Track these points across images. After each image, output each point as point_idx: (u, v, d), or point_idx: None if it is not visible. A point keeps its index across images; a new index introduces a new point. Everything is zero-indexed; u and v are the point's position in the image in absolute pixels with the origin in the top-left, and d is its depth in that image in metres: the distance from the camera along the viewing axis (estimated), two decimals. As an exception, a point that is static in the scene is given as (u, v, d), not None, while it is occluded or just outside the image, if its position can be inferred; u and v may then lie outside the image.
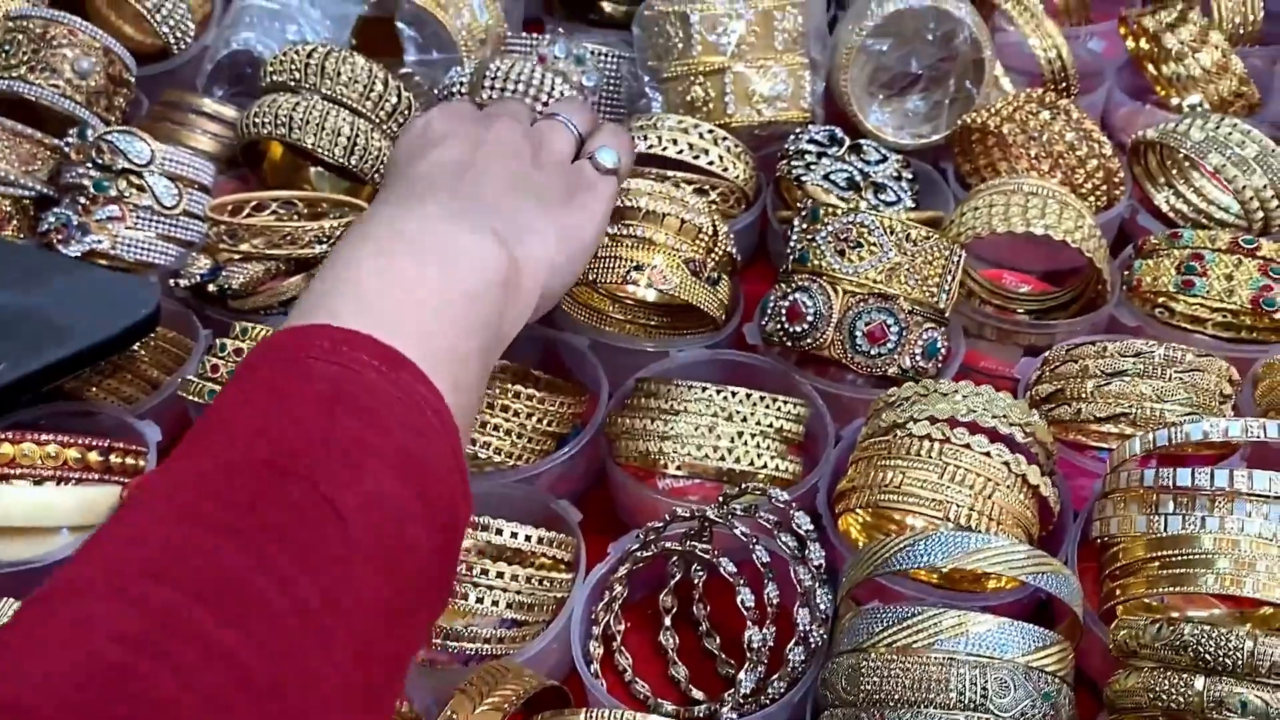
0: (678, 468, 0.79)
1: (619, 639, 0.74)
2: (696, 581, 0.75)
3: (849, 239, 0.79)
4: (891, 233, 0.79)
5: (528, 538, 0.72)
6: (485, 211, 0.63)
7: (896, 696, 0.59)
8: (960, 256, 0.82)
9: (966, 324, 0.92)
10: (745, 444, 0.75)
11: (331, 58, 1.00)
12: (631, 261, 0.82)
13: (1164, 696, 0.59)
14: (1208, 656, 0.57)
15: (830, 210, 0.81)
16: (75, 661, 0.37)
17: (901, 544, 0.63)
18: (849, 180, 0.95)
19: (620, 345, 0.88)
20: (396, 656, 0.48)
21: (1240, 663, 0.57)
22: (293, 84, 1.00)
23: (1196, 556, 0.65)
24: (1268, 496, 0.65)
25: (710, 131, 0.97)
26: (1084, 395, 0.78)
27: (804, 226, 0.82)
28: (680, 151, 0.95)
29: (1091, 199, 0.98)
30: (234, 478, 0.45)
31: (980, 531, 0.67)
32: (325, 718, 0.42)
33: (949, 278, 0.81)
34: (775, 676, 0.67)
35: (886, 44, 1.04)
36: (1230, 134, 0.95)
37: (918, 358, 0.81)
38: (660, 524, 0.73)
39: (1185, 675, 0.59)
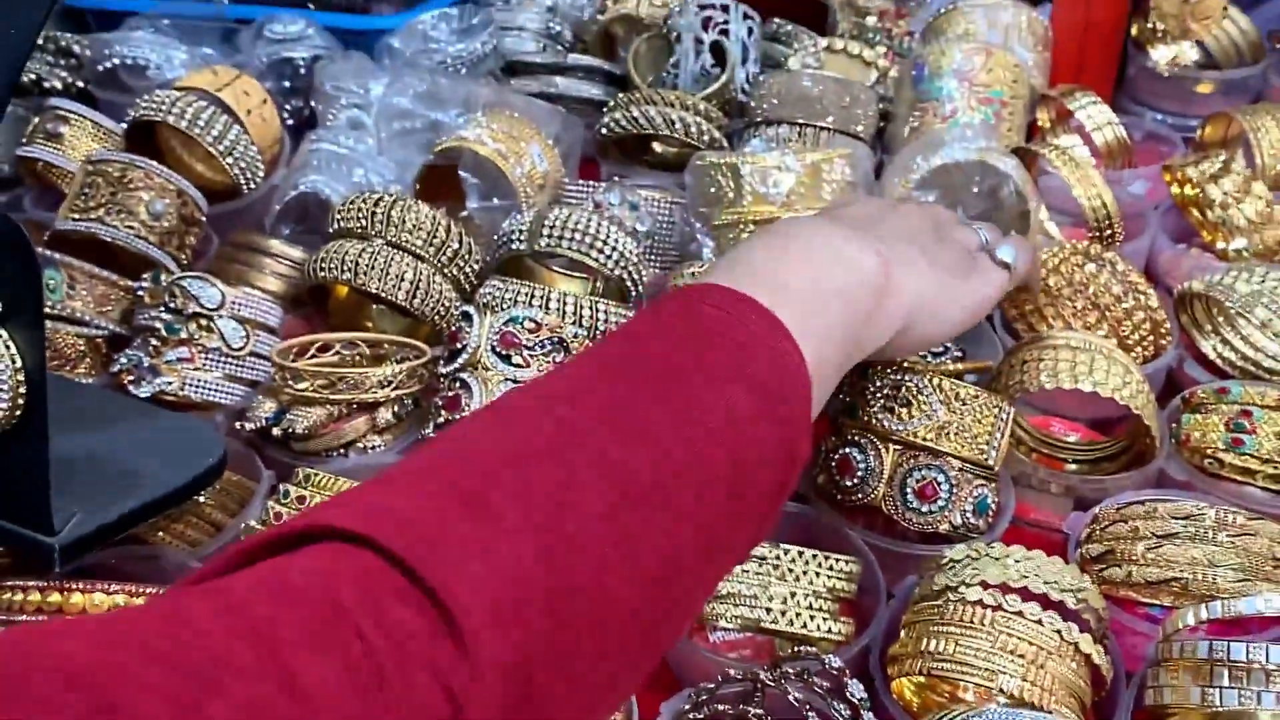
0: (729, 626, 0.79)
1: (672, 799, 0.74)
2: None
3: (898, 397, 0.81)
4: (940, 391, 0.81)
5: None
6: (875, 237, 0.70)
7: None
8: (1009, 414, 0.83)
9: (1016, 474, 0.93)
10: (798, 604, 0.76)
11: (397, 206, 1.04)
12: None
13: None
14: None
15: (879, 368, 0.82)
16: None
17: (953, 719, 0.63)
18: None
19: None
20: (727, 549, 0.58)
21: None
22: (359, 231, 1.05)
23: (1257, 733, 0.65)
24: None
25: (760, 279, 0.99)
26: (1135, 558, 0.78)
27: (852, 380, 0.84)
28: (731, 299, 0.98)
29: (1139, 349, 0.99)
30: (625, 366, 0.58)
31: (1031, 703, 0.67)
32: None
33: (998, 435, 0.82)
34: (828, 845, 0.67)
35: (933, 195, 1.06)
36: (1276, 287, 0.96)
37: (968, 514, 0.82)
38: (713, 685, 0.73)
39: None
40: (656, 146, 1.31)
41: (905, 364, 0.82)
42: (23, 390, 0.69)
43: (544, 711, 0.45)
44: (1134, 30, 1.41)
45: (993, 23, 1.31)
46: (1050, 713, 0.66)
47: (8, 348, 0.68)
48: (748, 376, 0.57)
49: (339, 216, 1.06)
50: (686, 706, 0.73)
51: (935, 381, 0.81)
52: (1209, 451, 0.89)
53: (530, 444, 0.51)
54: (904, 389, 0.81)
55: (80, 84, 1.39)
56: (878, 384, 0.82)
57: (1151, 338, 0.99)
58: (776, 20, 1.52)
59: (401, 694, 0.40)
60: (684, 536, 0.52)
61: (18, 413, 0.69)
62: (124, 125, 1.21)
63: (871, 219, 0.75)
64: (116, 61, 1.36)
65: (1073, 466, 0.96)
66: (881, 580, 0.81)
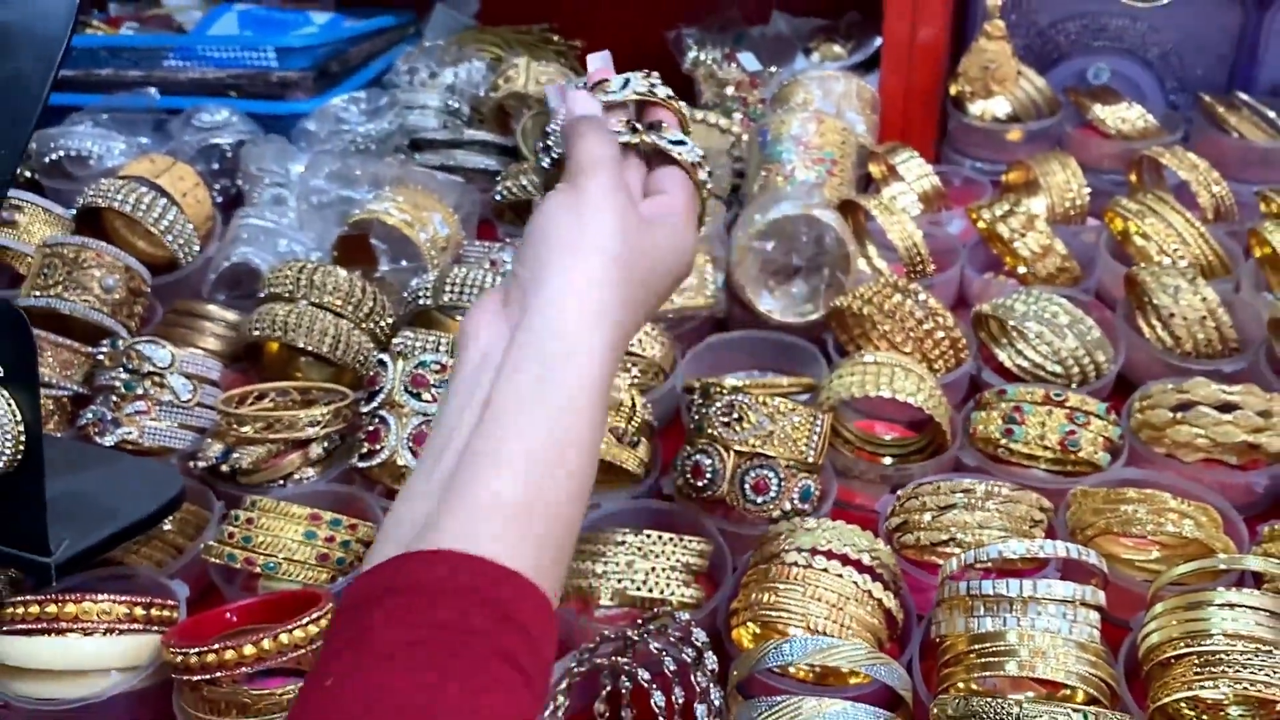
0: (609, 598, 0.98)
1: (564, 741, 0.92)
2: (623, 690, 0.94)
3: (733, 414, 1.01)
4: (766, 406, 1.01)
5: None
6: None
7: (770, 766, 0.78)
8: (823, 421, 1.03)
9: (842, 467, 1.13)
10: (658, 576, 0.95)
11: (319, 272, 1.22)
12: (565, 434, 1.03)
13: (968, 756, 0.79)
14: (988, 720, 0.77)
15: (719, 389, 1.03)
16: None
17: (770, 648, 0.83)
18: None
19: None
20: None
21: (1011, 725, 0.76)
22: (286, 294, 1.22)
23: (1003, 648, 0.85)
24: (1054, 600, 0.86)
25: (630, 320, 1.19)
26: (922, 525, 0.99)
27: (700, 402, 1.04)
28: (605, 338, 1.18)
29: (940, 362, 1.20)
30: None
31: (833, 637, 0.86)
32: None
33: (815, 437, 1.02)
34: (684, 760, 0.85)
35: (771, 244, 1.27)
36: (1046, 306, 1.19)
37: (796, 502, 1.02)
38: (592, 644, 0.92)
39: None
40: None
41: (738, 387, 1.03)
42: (23, 439, 0.86)
43: None
44: (954, 90, 1.64)
45: (827, 92, 1.54)
46: (853, 642, 0.86)
47: (9, 405, 0.85)
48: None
49: (268, 282, 1.24)
50: (572, 664, 0.92)
51: (761, 400, 1.01)
52: (991, 440, 1.10)
53: None
54: (737, 407, 1.01)
55: (29, 174, 1.55)
56: (717, 405, 1.02)
57: (951, 352, 1.21)
58: (648, 92, 1.73)
59: None
60: None
61: (19, 457, 0.86)
62: (74, 210, 1.37)
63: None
64: (62, 154, 1.53)
65: (889, 460, 1.16)
66: (729, 556, 1.01)
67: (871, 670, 0.82)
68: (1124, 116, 1.55)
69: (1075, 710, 0.77)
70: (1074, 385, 1.18)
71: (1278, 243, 1.25)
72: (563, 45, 1.90)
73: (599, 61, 0.88)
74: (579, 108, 0.79)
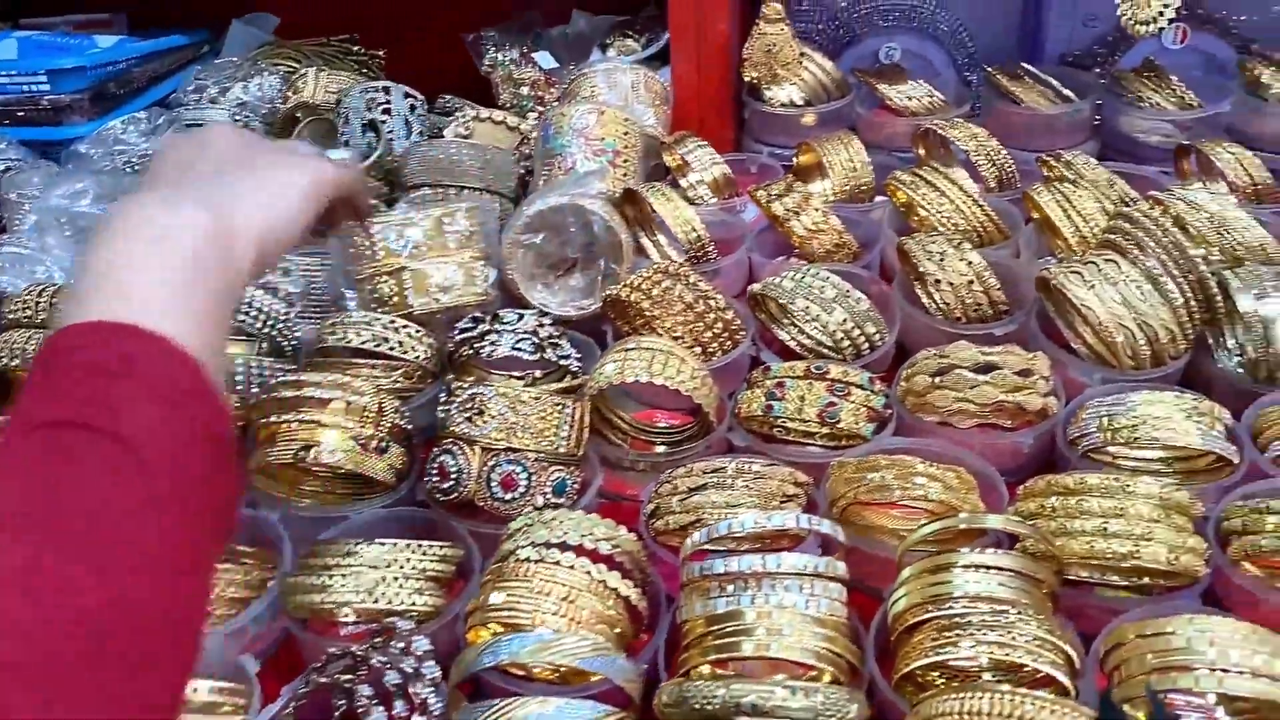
0: (345, 616, 0.93)
1: (296, 766, 0.86)
2: (357, 708, 0.89)
3: (473, 407, 0.97)
4: (505, 398, 0.97)
5: (209, 690, 0.85)
6: (193, 189, 0.74)
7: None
8: (573, 408, 1.00)
9: (613, 457, 1.10)
10: (392, 586, 0.90)
11: (60, 295, 1.15)
12: (300, 442, 0.98)
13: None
14: (697, 705, 0.74)
15: (460, 385, 0.98)
16: None
17: (485, 648, 0.79)
18: (534, 345, 1.13)
19: (305, 515, 1.03)
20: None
21: (718, 706, 0.73)
22: (26, 321, 1.16)
23: (740, 628, 0.82)
24: (791, 574, 0.83)
25: (392, 322, 1.15)
26: (673, 509, 0.95)
27: (443, 399, 1.00)
28: (365, 342, 1.13)
29: (715, 344, 1.18)
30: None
31: (565, 632, 0.82)
32: None
33: (565, 426, 0.99)
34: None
35: (540, 236, 1.24)
36: (813, 281, 1.17)
37: (549, 496, 0.98)
38: (319, 664, 0.87)
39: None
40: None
41: (478, 379, 0.99)
42: None
43: None
44: (748, 77, 1.63)
45: (613, 84, 1.51)
46: (584, 637, 0.82)
47: None
48: (143, 401, 0.59)
49: (7, 311, 1.17)
50: (300, 685, 0.87)
51: (501, 390, 0.97)
52: (753, 418, 1.08)
53: None
54: (477, 399, 0.97)
55: None
56: (458, 400, 0.98)
57: (726, 334, 1.18)
58: (445, 96, 1.70)
59: None
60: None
61: None
62: None
63: (184, 167, 0.78)
64: None
65: (662, 448, 1.13)
66: (478, 558, 0.96)
67: (590, 665, 0.78)
68: (910, 94, 1.55)
69: (784, 686, 0.74)
70: (849, 359, 1.17)
71: (1047, 206, 1.25)
72: (364, 55, 1.86)
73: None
74: None
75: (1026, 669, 0.80)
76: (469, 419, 0.97)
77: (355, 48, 1.87)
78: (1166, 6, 1.35)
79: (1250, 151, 1.37)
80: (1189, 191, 1.23)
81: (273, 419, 1.02)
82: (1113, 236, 1.14)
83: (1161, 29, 1.37)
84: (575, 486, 1.00)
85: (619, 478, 1.10)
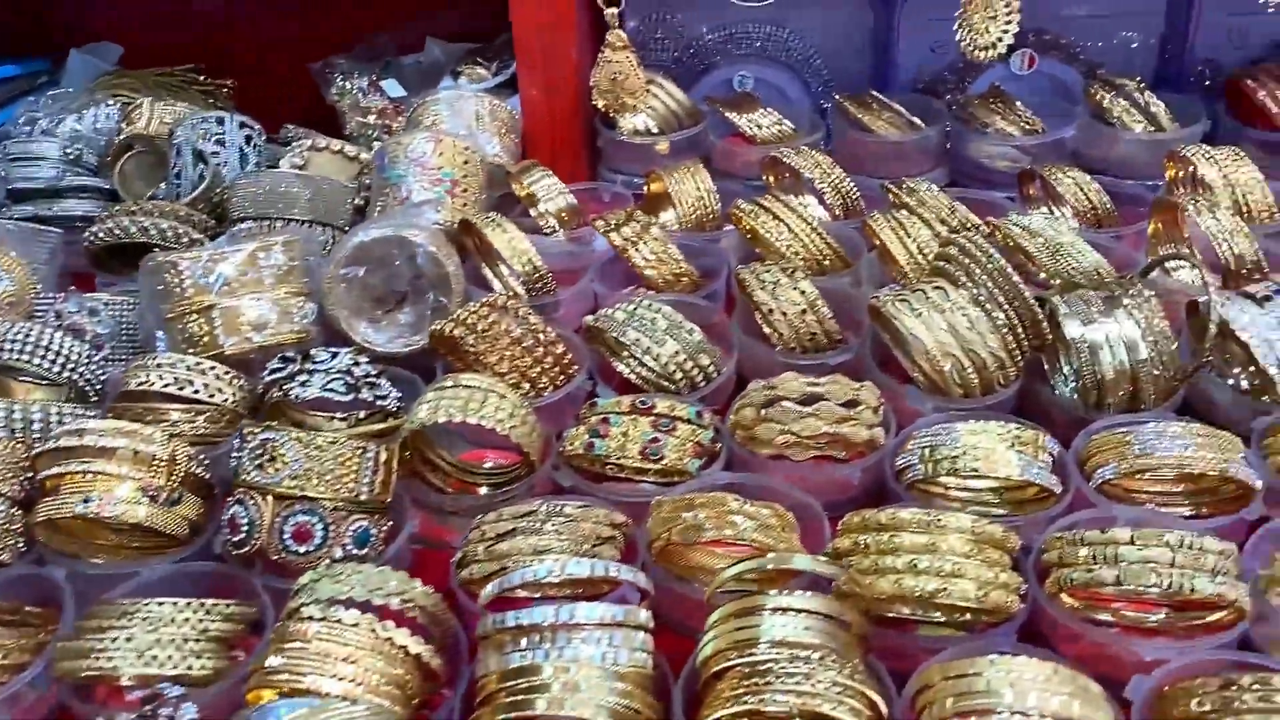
0: (126, 680, 0.86)
1: None
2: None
3: (265, 453, 0.91)
4: (299, 442, 0.91)
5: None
6: None
7: None
8: (375, 452, 0.94)
9: (436, 503, 1.04)
10: (167, 649, 0.83)
11: None
12: (81, 494, 0.91)
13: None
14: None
15: (252, 430, 0.92)
16: None
17: (254, 713, 0.73)
18: (347, 385, 1.07)
19: (94, 572, 0.96)
20: None
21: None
22: None
23: (536, 683, 0.77)
24: (590, 625, 0.78)
25: (198, 364, 1.08)
26: (478, 556, 0.90)
27: (237, 444, 0.94)
28: (167, 385, 1.06)
29: (545, 379, 1.13)
30: None
31: (341, 695, 0.77)
32: None
33: (367, 472, 0.93)
34: None
35: (364, 270, 1.19)
36: (645, 313, 1.13)
37: (350, 548, 0.92)
38: (83, 736, 0.80)
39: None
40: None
41: (269, 424, 0.93)
42: None
43: None
44: (601, 105, 1.60)
45: (457, 112, 1.47)
46: (356, 701, 0.77)
47: None
48: None
49: None
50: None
51: (293, 435, 0.91)
52: (576, 456, 1.03)
53: None
54: (268, 445, 0.91)
55: None
56: (249, 444, 0.92)
57: (557, 368, 1.14)
58: (288, 125, 1.64)
59: None
60: None
61: None
62: None
63: None
64: None
65: (485, 489, 1.08)
66: (272, 616, 0.90)
67: (360, 729, 0.72)
68: (760, 122, 1.53)
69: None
70: (685, 391, 1.13)
71: (883, 233, 1.24)
72: (209, 85, 1.79)
73: None
74: None
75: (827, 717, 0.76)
76: (260, 466, 0.91)
77: (201, 77, 1.80)
78: (1005, 32, 1.35)
79: (1091, 176, 1.38)
80: (1024, 217, 1.23)
81: (55, 470, 0.95)
82: (942, 264, 1.12)
83: (1002, 55, 1.36)
84: (381, 536, 0.94)
85: (441, 523, 1.05)
